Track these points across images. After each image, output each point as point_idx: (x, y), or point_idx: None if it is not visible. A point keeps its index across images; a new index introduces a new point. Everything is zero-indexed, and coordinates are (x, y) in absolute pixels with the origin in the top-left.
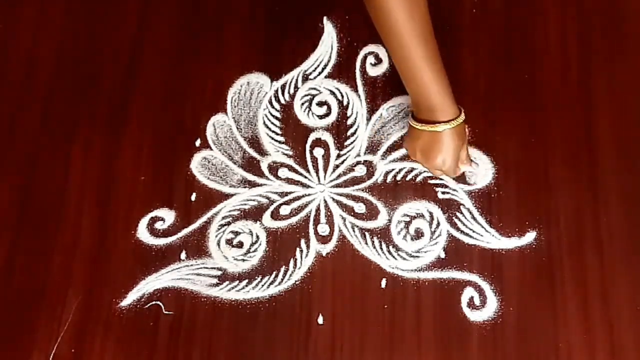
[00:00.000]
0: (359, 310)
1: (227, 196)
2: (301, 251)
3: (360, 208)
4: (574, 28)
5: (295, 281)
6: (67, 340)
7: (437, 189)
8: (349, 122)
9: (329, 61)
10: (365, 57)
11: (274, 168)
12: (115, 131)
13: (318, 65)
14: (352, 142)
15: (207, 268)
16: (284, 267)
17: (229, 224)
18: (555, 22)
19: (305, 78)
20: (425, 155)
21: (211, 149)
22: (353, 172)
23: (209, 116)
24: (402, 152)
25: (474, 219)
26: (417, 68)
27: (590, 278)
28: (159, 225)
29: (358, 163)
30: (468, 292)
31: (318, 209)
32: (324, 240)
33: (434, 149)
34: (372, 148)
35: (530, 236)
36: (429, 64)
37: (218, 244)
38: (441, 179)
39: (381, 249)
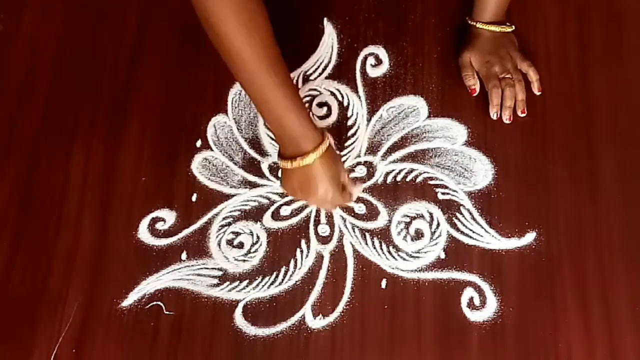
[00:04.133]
0: (359, 311)
1: (228, 197)
2: (301, 252)
3: (360, 209)
4: (574, 28)
5: (296, 281)
6: (68, 340)
7: (437, 190)
8: (349, 123)
9: (329, 62)
10: (365, 58)
11: (274, 169)
12: (116, 132)
13: (318, 66)
14: (352, 143)
15: (207, 268)
16: (284, 267)
17: (229, 224)
18: (555, 22)
19: (306, 79)
20: (305, 191)
21: (212, 150)
22: (353, 173)
23: (209, 117)
24: (402, 153)
25: (474, 219)
26: (269, 99)
27: (589, 278)
28: (159, 226)
29: (358, 164)
30: (468, 293)
31: (318, 210)
32: (324, 240)
33: (312, 183)
34: (372, 149)
35: (530, 237)
36: (281, 93)
37: (219, 245)
38: (442, 181)
39: (381, 249)
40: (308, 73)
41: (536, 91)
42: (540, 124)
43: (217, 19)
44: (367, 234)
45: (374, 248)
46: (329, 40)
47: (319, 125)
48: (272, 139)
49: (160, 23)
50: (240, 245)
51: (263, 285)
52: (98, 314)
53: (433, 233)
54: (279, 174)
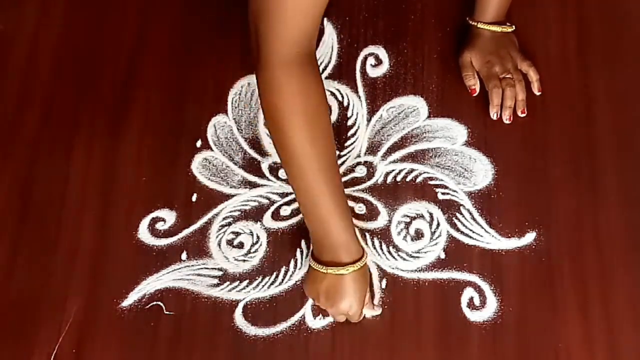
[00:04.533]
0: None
1: (228, 197)
2: (302, 252)
3: (360, 209)
4: (574, 28)
5: (296, 282)
6: (68, 340)
7: (437, 190)
8: (349, 123)
9: (329, 62)
10: (365, 58)
11: (274, 169)
12: (116, 132)
13: (318, 66)
14: (352, 143)
15: (207, 268)
16: (284, 267)
17: (229, 224)
18: (555, 22)
19: None
20: (330, 299)
21: (212, 150)
22: (353, 173)
23: (209, 117)
24: (402, 153)
25: (474, 219)
26: (320, 201)
27: (589, 278)
28: (159, 226)
29: (358, 164)
30: (468, 293)
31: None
32: None
33: (340, 293)
34: (372, 149)
35: (530, 237)
36: (333, 197)
37: (219, 245)
38: (442, 181)
39: (381, 249)
40: None
41: (536, 91)
42: (540, 124)
43: (283, 116)
44: (367, 234)
45: (374, 248)
46: (329, 40)
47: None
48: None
49: (161, 23)
50: (241, 245)
51: (263, 285)
52: (98, 314)
53: (433, 233)
54: (279, 174)
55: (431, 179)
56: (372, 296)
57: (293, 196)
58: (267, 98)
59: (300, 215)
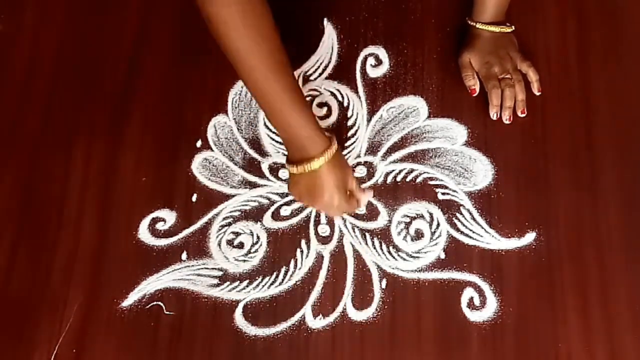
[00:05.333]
0: (359, 311)
1: (228, 197)
2: (302, 252)
3: (360, 209)
4: (574, 28)
5: (296, 282)
6: (68, 340)
7: (437, 190)
8: (350, 123)
9: (329, 62)
10: (365, 59)
11: (274, 169)
12: (116, 132)
13: (318, 67)
14: (352, 143)
15: (207, 268)
16: (284, 267)
17: (229, 224)
18: (555, 22)
19: (306, 79)
20: (311, 196)
21: (212, 150)
22: (354, 173)
23: (209, 117)
24: (402, 153)
25: (474, 219)
26: (275, 100)
27: (589, 278)
28: (160, 226)
29: (358, 164)
30: (468, 293)
31: (318, 210)
32: (324, 240)
33: (317, 188)
34: (372, 149)
35: (529, 237)
36: (288, 94)
37: (219, 245)
38: (442, 181)
39: (381, 249)
40: (308, 73)
41: (536, 91)
42: (540, 124)
43: (224, 24)
44: (367, 234)
45: (374, 248)
46: (329, 41)
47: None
48: (273, 140)
49: (161, 23)
50: (241, 246)
51: (263, 286)
52: (98, 314)
53: (433, 233)
54: (279, 175)
55: (431, 179)
56: (357, 180)
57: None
58: (206, 9)
59: (300, 216)
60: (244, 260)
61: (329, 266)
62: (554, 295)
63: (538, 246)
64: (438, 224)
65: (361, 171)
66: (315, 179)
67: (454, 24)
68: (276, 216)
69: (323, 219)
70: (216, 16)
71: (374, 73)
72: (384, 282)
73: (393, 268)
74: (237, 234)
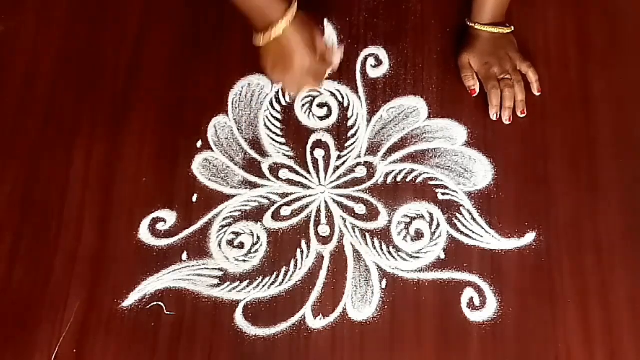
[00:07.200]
0: (359, 311)
1: (228, 197)
2: (302, 252)
3: (360, 209)
4: (574, 28)
5: (296, 282)
6: (69, 340)
7: (437, 190)
8: (350, 123)
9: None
10: (365, 59)
11: (274, 169)
12: (117, 132)
13: None
14: (352, 144)
15: (208, 269)
16: (284, 267)
17: (230, 224)
18: (555, 22)
19: None
20: (284, 64)
21: (212, 150)
22: (353, 174)
23: (210, 118)
24: (402, 153)
25: (474, 220)
26: None
27: (589, 278)
28: (160, 226)
29: (358, 164)
30: (468, 293)
31: (319, 210)
32: (324, 241)
33: (287, 53)
34: (372, 149)
35: (529, 237)
36: None
37: (219, 245)
38: (442, 181)
39: (381, 249)
40: None
41: (535, 92)
42: (540, 124)
43: None
44: (367, 235)
45: (374, 248)
46: (329, 41)
47: (320, 127)
48: (273, 140)
49: (161, 23)
50: (241, 246)
51: (263, 286)
52: (99, 314)
53: (433, 233)
54: (280, 175)
55: (431, 179)
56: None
57: (293, 197)
58: None
59: (301, 216)
60: (244, 261)
61: (329, 266)
62: (554, 295)
63: (538, 246)
64: (438, 224)
65: (361, 171)
66: (282, 43)
67: (453, 25)
68: (276, 216)
69: (323, 220)
70: None
71: (374, 73)
72: (384, 282)
73: (393, 268)
74: (238, 234)
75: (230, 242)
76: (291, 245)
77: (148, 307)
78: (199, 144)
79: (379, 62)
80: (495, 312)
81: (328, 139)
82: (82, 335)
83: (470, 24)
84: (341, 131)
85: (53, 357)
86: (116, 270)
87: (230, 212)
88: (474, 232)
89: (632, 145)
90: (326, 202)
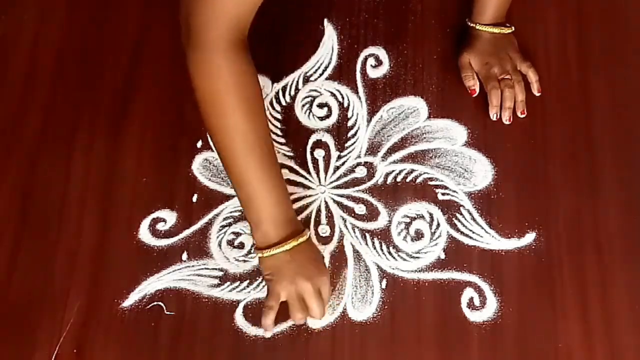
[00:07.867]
0: (359, 311)
1: (229, 197)
2: None
3: (360, 209)
4: (574, 28)
5: None
6: (69, 340)
7: (437, 191)
8: (350, 123)
9: (329, 63)
10: (365, 59)
11: None
12: (117, 132)
13: (319, 67)
14: (352, 144)
15: (208, 269)
16: None
17: (230, 225)
18: (555, 22)
19: (306, 80)
20: (305, 275)
21: (212, 151)
22: (353, 174)
23: None
24: (402, 153)
25: (474, 220)
26: (254, 184)
27: (589, 278)
28: (160, 226)
29: (358, 164)
30: (468, 293)
31: (319, 210)
32: (324, 241)
33: (313, 264)
34: (372, 149)
35: (529, 237)
36: (266, 178)
37: (219, 245)
38: (442, 181)
39: (381, 249)
40: (308, 74)
41: (536, 92)
42: (540, 124)
43: (218, 96)
44: (367, 235)
45: (374, 248)
46: (329, 41)
47: (320, 127)
48: (273, 140)
49: (161, 23)
50: (241, 246)
51: (264, 286)
52: (99, 315)
53: (433, 233)
54: None
55: (431, 179)
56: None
57: (293, 197)
58: (201, 81)
59: (300, 216)
60: (245, 261)
61: (329, 266)
62: (554, 295)
63: (538, 246)
64: (438, 224)
65: (361, 172)
66: (305, 257)
67: (454, 25)
68: None
69: (323, 220)
70: (212, 89)
71: (374, 74)
72: (384, 282)
73: (393, 268)
74: (238, 234)
75: (230, 242)
76: None
77: (148, 307)
78: (199, 144)
79: (379, 62)
80: (495, 312)
81: (328, 139)
82: (82, 335)
83: (471, 24)
84: (341, 131)
85: (53, 357)
86: (116, 270)
87: (231, 212)
88: (474, 232)
89: (631, 145)
90: (326, 202)
